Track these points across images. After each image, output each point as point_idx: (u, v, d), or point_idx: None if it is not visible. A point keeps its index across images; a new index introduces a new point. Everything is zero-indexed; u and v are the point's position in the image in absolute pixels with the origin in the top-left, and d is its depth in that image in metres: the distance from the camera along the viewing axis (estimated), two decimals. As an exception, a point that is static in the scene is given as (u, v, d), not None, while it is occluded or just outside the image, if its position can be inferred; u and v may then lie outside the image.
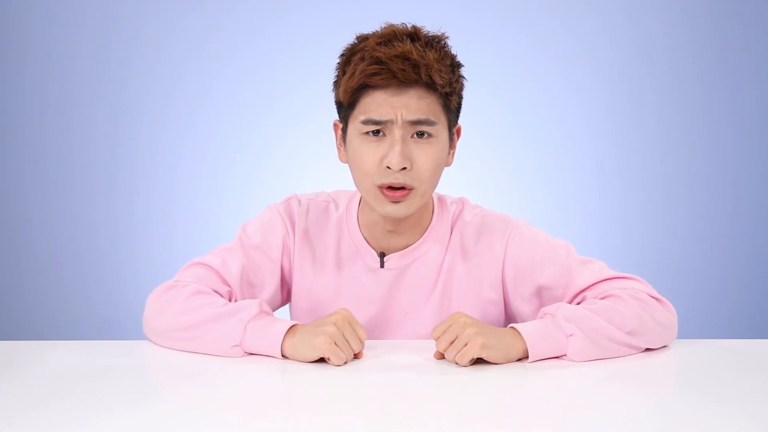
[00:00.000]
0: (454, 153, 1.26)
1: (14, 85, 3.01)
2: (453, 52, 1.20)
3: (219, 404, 0.95)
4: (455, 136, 1.26)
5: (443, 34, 1.21)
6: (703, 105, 3.12)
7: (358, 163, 1.19)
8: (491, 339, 1.09)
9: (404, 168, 1.15)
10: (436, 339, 1.12)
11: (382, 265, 1.29)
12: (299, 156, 2.97)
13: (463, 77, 1.22)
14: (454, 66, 1.19)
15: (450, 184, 2.92)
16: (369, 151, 1.17)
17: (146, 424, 0.89)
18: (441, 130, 1.19)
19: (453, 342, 1.09)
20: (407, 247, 1.29)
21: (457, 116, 1.24)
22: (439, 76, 1.14)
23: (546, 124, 3.08)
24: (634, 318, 1.16)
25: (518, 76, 3.05)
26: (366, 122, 1.16)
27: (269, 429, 0.86)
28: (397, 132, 1.15)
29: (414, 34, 1.17)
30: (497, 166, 3.09)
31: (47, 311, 3.02)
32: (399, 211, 1.19)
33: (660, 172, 3.14)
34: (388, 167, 1.15)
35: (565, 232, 3.13)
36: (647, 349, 1.20)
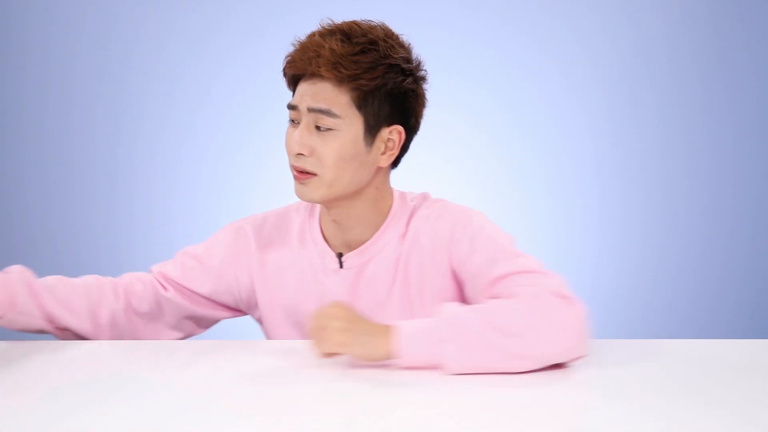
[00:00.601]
0: (393, 155, 1.25)
1: (14, 85, 3.01)
2: (397, 55, 1.21)
3: (220, 404, 0.96)
4: (393, 137, 1.24)
5: (377, 38, 1.21)
6: (703, 105, 3.12)
7: (286, 146, 1.26)
8: (354, 337, 1.07)
9: (301, 154, 1.20)
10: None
11: (341, 266, 1.29)
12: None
13: (405, 77, 1.22)
14: (379, 65, 1.19)
15: (451, 184, 2.93)
16: (288, 136, 1.24)
17: (146, 424, 0.89)
18: (346, 125, 1.20)
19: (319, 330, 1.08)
20: (361, 246, 1.29)
21: (393, 117, 1.23)
22: (336, 69, 1.17)
23: (546, 124, 3.08)
24: (521, 319, 1.07)
25: (518, 76, 3.05)
26: (288, 107, 1.25)
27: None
28: (303, 119, 1.21)
29: (341, 30, 1.21)
30: (497, 165, 3.09)
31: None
32: (303, 193, 1.23)
33: (660, 172, 3.14)
34: (291, 151, 1.22)
35: (566, 232, 3.15)
36: (560, 365, 1.10)
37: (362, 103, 1.20)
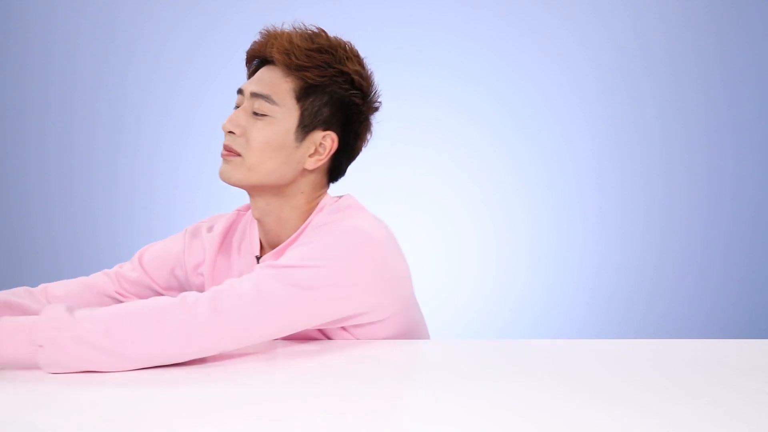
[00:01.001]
0: (320, 160, 1.25)
1: (15, 85, 3.01)
2: (358, 69, 1.24)
3: (220, 403, 0.96)
4: (326, 143, 1.24)
5: (344, 43, 1.26)
6: (704, 105, 3.12)
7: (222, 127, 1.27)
8: None
9: (232, 133, 1.22)
10: None
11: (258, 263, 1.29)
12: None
13: (354, 91, 1.24)
14: (330, 67, 1.22)
15: (452, 183, 2.93)
16: (227, 118, 1.26)
17: (145, 423, 0.89)
18: (282, 114, 1.22)
19: None
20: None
21: (331, 125, 1.24)
22: (286, 55, 1.20)
23: (546, 124, 3.08)
24: (128, 321, 1.05)
25: (519, 76, 3.06)
26: (236, 92, 1.27)
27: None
28: (245, 103, 1.24)
29: (310, 32, 1.26)
30: (497, 165, 3.09)
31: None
32: (223, 171, 1.24)
33: (660, 172, 3.14)
34: (223, 129, 1.24)
35: (566, 232, 3.15)
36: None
37: (302, 95, 1.22)
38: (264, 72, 1.24)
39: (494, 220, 3.07)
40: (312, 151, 1.24)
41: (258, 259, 1.31)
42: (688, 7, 3.09)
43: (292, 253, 1.15)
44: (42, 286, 1.38)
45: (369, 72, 1.28)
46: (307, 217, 1.28)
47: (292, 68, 1.21)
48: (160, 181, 3.07)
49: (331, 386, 1.01)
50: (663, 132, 3.13)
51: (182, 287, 1.43)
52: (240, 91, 1.26)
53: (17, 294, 1.31)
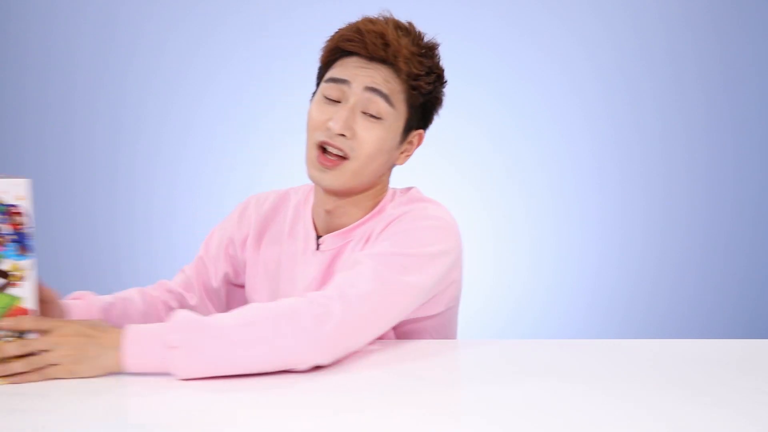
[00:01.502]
0: (407, 156, 1.27)
1: (14, 85, 3.01)
2: (441, 64, 1.24)
3: (222, 402, 0.96)
4: (414, 140, 1.27)
5: (436, 43, 1.24)
6: (704, 105, 3.12)
7: (308, 119, 1.21)
8: (80, 365, 1.00)
9: (343, 135, 1.17)
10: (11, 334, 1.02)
11: (318, 247, 1.28)
12: (299, 156, 2.97)
13: (442, 91, 1.25)
14: (433, 72, 1.22)
15: (452, 183, 2.93)
16: (320, 111, 1.20)
17: (145, 423, 0.89)
18: (394, 117, 1.20)
19: (29, 353, 1.01)
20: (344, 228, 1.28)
21: (421, 122, 1.26)
22: (407, 65, 1.17)
23: (546, 124, 3.09)
24: (259, 322, 1.02)
25: (518, 76, 3.06)
26: (328, 81, 1.20)
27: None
28: (351, 99, 1.17)
29: (404, 26, 1.21)
30: (497, 165, 3.09)
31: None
32: (326, 179, 1.19)
33: (660, 171, 3.15)
34: (329, 129, 1.17)
35: (566, 232, 3.15)
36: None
37: (413, 102, 1.21)
38: (374, 68, 1.18)
39: (494, 220, 3.07)
40: (404, 148, 1.26)
41: (318, 238, 1.28)
42: (688, 7, 3.09)
43: (384, 243, 1.15)
44: (160, 282, 1.38)
45: None
46: (375, 202, 1.28)
47: (410, 76, 1.19)
48: (160, 181, 3.07)
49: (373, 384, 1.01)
50: (663, 132, 3.13)
51: (235, 271, 1.39)
52: (340, 80, 1.19)
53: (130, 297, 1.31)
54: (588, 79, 3.09)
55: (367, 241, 1.24)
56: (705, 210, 3.15)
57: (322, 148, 1.19)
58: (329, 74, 1.21)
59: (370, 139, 1.18)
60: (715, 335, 2.61)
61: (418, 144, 1.28)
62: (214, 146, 3.07)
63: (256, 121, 3.05)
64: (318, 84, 1.26)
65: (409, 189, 1.32)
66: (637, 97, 3.11)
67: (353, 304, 1.06)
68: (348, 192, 1.24)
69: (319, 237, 1.29)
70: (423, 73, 1.19)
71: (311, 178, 1.22)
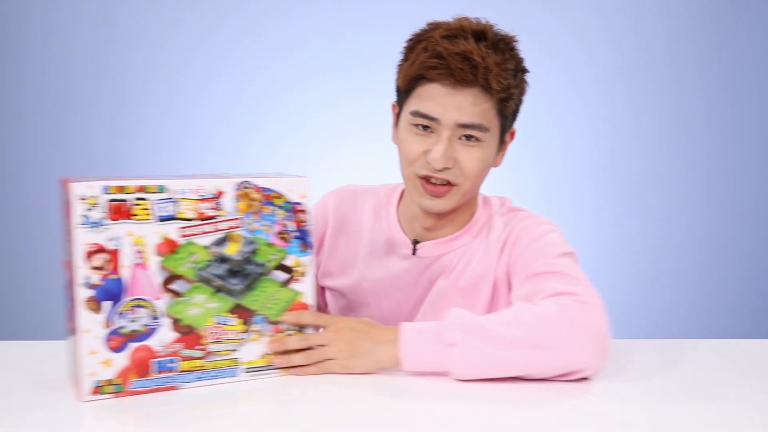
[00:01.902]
0: (504, 155, 1.26)
1: (14, 85, 3.01)
2: (520, 55, 1.19)
3: (221, 401, 0.96)
4: (508, 138, 1.25)
5: (513, 36, 1.19)
6: (703, 105, 3.12)
7: (403, 150, 1.19)
8: (354, 360, 1.04)
9: (447, 168, 1.15)
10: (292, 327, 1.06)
11: (414, 252, 1.27)
12: (299, 156, 2.97)
13: (526, 82, 1.21)
14: (518, 71, 1.17)
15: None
16: (414, 142, 1.16)
17: (144, 424, 0.89)
18: (491, 135, 1.17)
19: (308, 347, 1.05)
20: (441, 237, 1.27)
21: (513, 120, 1.24)
22: (497, 81, 1.12)
23: (546, 123, 3.08)
24: (539, 325, 1.01)
25: (518, 76, 3.05)
26: (415, 114, 1.15)
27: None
28: (444, 132, 1.14)
29: (482, 33, 1.14)
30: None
31: (47, 311, 3.02)
32: (436, 206, 1.19)
33: (659, 171, 3.14)
34: (430, 164, 1.15)
35: (564, 232, 3.14)
36: (581, 379, 1.03)
37: (503, 110, 1.17)
38: (459, 95, 1.12)
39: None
40: (500, 150, 1.24)
41: (415, 243, 1.27)
42: (688, 7, 3.09)
43: (534, 250, 1.17)
44: None
45: None
46: (471, 210, 1.28)
47: (499, 91, 1.13)
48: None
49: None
50: (663, 132, 3.13)
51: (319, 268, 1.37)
52: (431, 118, 1.14)
53: None
54: (588, 79, 3.09)
55: (467, 258, 1.25)
56: (705, 210, 3.15)
57: (426, 178, 1.17)
58: (414, 105, 1.16)
59: (472, 162, 1.16)
60: (715, 335, 2.61)
61: (511, 140, 1.27)
62: (214, 146, 3.07)
63: (256, 121, 3.05)
64: (400, 105, 1.21)
65: (499, 198, 1.34)
66: (637, 97, 3.10)
67: (599, 306, 1.05)
68: (443, 215, 1.24)
69: (415, 242, 1.28)
70: (510, 80, 1.14)
71: (420, 205, 1.20)
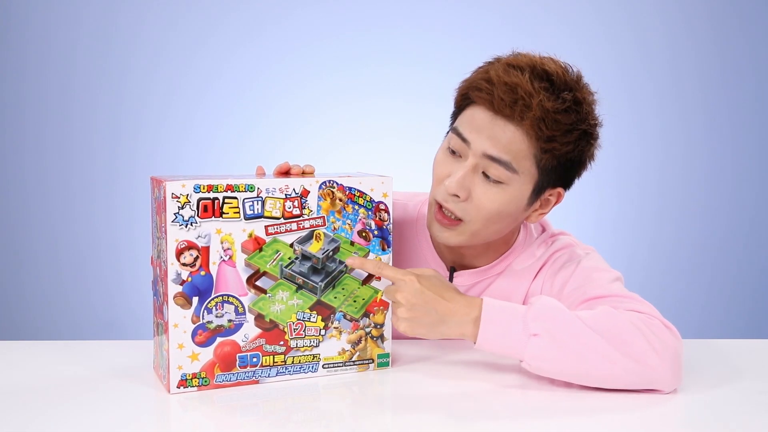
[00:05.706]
0: (543, 214, 1.17)
1: (14, 85, 3.01)
2: (592, 117, 1.13)
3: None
4: (552, 198, 1.17)
5: (593, 93, 1.15)
6: (703, 105, 3.12)
7: (433, 170, 1.16)
8: (423, 330, 1.02)
9: (457, 196, 1.09)
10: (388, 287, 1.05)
11: (450, 279, 1.22)
12: (299, 156, 2.97)
13: (591, 145, 1.14)
14: (578, 130, 1.09)
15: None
16: (443, 163, 1.13)
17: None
18: (519, 182, 1.09)
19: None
20: (478, 266, 1.22)
21: (559, 180, 1.14)
22: (540, 126, 1.05)
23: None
24: (624, 332, 0.98)
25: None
26: (453, 131, 1.13)
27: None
28: (470, 159, 1.09)
29: (545, 74, 1.10)
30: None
31: (47, 311, 3.02)
32: (442, 237, 1.14)
33: (658, 171, 3.14)
34: (445, 187, 1.11)
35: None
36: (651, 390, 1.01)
37: (545, 163, 1.09)
38: (500, 128, 1.07)
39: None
40: (537, 206, 1.16)
41: (452, 271, 1.22)
42: (687, 7, 3.09)
43: (581, 276, 1.13)
44: None
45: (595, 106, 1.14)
46: (508, 241, 1.22)
47: (540, 138, 1.06)
48: (159, 181, 3.06)
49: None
50: (662, 132, 3.12)
51: None
52: (463, 139, 1.10)
53: None
54: (588, 79, 3.08)
55: (505, 286, 1.20)
56: (704, 210, 3.15)
57: (440, 205, 1.13)
58: (457, 123, 1.13)
59: (487, 202, 1.09)
60: (714, 335, 2.61)
61: (557, 202, 1.18)
62: (214, 146, 3.07)
63: (256, 121, 3.05)
64: (450, 124, 1.18)
65: (543, 228, 1.27)
66: (637, 98, 3.10)
67: (676, 330, 1.02)
68: (470, 247, 1.19)
69: (452, 269, 1.23)
70: (559, 132, 1.07)
71: (430, 232, 1.17)
